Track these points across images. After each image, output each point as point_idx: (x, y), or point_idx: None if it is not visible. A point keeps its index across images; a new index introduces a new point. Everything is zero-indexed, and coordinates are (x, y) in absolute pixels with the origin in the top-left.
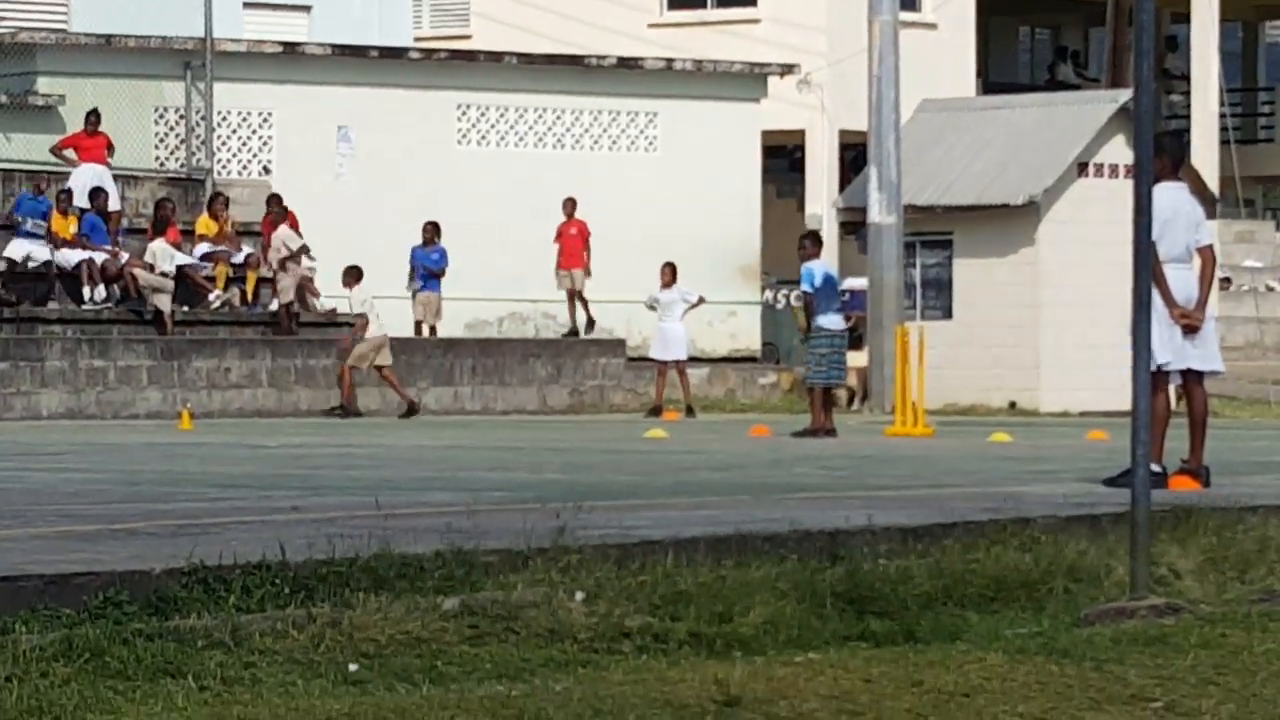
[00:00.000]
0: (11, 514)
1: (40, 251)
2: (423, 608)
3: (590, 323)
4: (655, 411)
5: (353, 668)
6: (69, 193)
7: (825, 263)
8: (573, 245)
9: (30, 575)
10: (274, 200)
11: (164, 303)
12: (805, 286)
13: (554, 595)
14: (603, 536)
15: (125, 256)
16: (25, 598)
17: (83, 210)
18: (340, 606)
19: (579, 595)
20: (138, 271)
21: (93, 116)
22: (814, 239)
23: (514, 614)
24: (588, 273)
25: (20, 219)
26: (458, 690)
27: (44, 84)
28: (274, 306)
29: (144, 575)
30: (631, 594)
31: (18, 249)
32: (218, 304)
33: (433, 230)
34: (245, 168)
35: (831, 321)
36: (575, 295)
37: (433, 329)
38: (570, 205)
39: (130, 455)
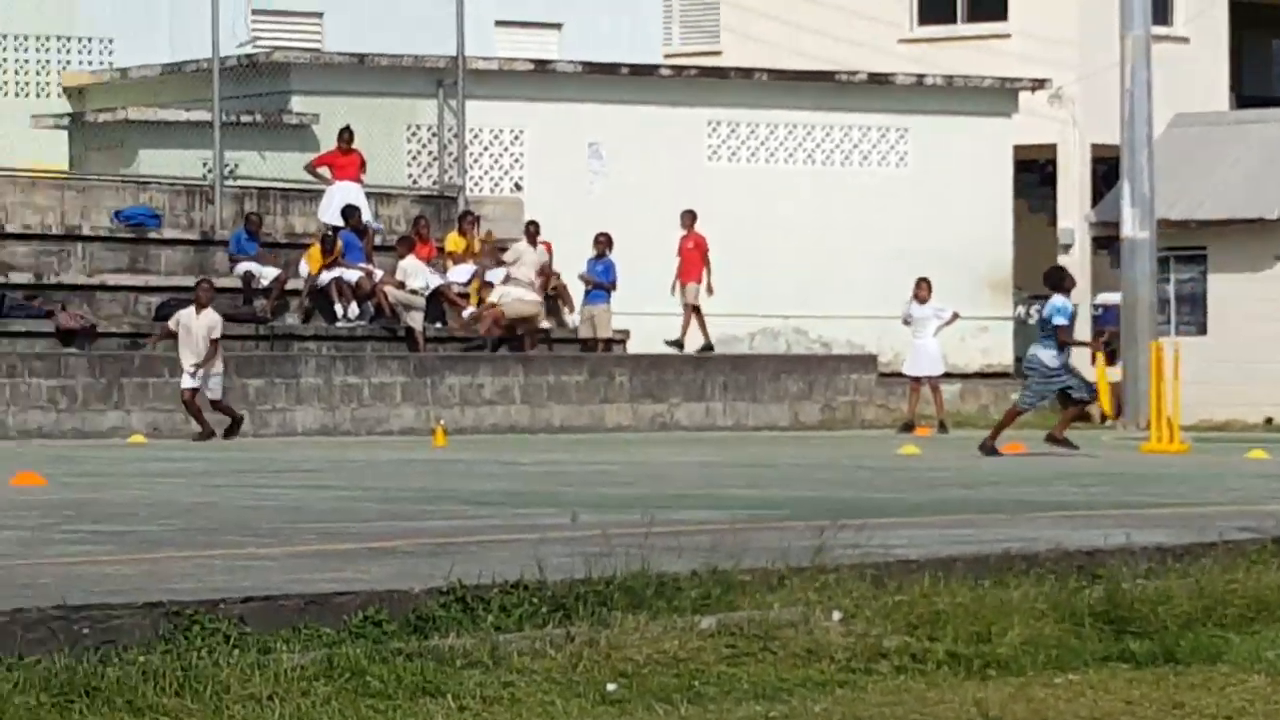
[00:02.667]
0: (270, 531)
1: (266, 271)
2: (680, 627)
3: (708, 345)
4: (908, 427)
5: (611, 687)
6: (334, 233)
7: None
8: (691, 259)
9: (291, 595)
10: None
11: (415, 320)
12: (1062, 320)
13: (811, 615)
14: (859, 555)
15: (379, 274)
16: (286, 617)
17: (336, 228)
18: (598, 626)
19: (836, 615)
20: (389, 289)
21: (346, 134)
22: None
23: (771, 633)
24: (708, 289)
25: (234, 255)
26: (716, 710)
27: (298, 103)
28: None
29: (404, 594)
30: (889, 613)
31: (240, 268)
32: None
33: (605, 242)
34: (497, 185)
35: (1051, 357)
36: (693, 310)
37: (606, 344)
38: (689, 218)
39: (385, 472)
